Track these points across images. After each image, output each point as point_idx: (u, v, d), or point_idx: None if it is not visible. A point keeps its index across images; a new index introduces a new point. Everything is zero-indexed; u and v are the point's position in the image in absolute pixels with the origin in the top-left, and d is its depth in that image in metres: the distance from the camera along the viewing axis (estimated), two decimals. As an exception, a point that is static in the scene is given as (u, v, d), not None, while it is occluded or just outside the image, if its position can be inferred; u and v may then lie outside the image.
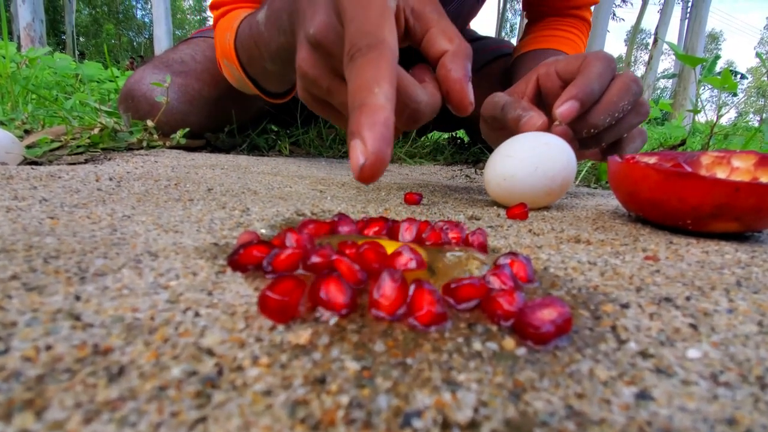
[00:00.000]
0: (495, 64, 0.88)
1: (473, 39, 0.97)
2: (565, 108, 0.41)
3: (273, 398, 0.12)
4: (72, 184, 0.38)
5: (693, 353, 0.16)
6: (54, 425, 0.11)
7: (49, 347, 0.14)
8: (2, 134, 0.47)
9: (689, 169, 0.37)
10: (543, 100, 0.49)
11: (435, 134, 1.49)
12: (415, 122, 0.31)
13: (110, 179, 0.42)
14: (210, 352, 0.14)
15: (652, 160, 0.42)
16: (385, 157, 0.21)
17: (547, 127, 0.43)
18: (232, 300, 0.18)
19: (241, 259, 0.21)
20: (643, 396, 0.13)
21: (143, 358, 0.13)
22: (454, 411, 0.12)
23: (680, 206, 0.34)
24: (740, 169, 0.40)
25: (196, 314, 0.16)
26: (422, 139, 1.32)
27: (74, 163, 0.54)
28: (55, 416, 0.11)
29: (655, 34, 6.25)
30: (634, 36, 6.14)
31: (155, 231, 0.26)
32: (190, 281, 0.19)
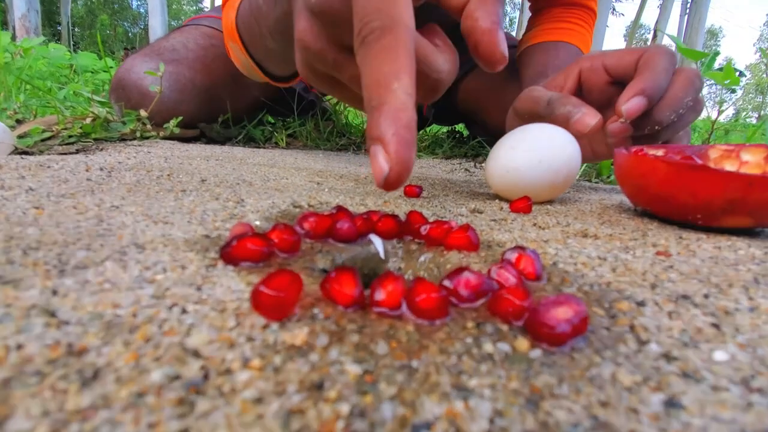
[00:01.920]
0: None
1: None
2: (632, 104, 0.39)
3: (265, 407, 0.11)
4: (61, 174, 0.37)
5: (719, 356, 0.15)
6: (15, 438, 0.09)
7: (19, 346, 0.12)
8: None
9: (700, 162, 0.35)
10: (584, 96, 0.47)
11: (434, 128, 1.47)
12: (436, 93, 0.28)
13: (101, 169, 0.40)
14: (196, 354, 0.13)
15: (659, 152, 0.41)
16: (410, 162, 0.19)
17: (603, 125, 0.41)
18: (223, 296, 0.16)
19: (234, 251, 0.20)
20: (672, 404, 0.12)
21: (122, 359, 0.12)
22: (468, 422, 0.10)
23: (691, 200, 0.32)
24: (750, 162, 0.39)
25: (183, 311, 0.15)
26: (421, 132, 1.30)
27: (65, 153, 0.52)
28: (19, 426, 0.10)
29: (655, 29, 6.21)
30: (633, 31, 6.10)
31: (144, 222, 0.25)
32: (178, 275, 0.18)
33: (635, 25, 6.00)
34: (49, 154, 0.51)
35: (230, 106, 0.78)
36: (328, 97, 1.12)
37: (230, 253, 0.20)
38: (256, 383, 0.11)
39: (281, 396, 0.11)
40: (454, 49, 0.28)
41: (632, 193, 0.38)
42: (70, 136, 0.60)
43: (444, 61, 0.27)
